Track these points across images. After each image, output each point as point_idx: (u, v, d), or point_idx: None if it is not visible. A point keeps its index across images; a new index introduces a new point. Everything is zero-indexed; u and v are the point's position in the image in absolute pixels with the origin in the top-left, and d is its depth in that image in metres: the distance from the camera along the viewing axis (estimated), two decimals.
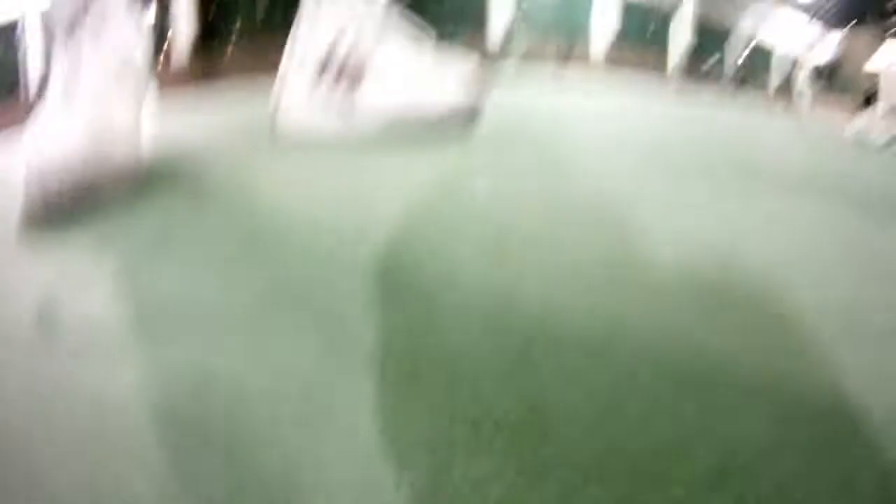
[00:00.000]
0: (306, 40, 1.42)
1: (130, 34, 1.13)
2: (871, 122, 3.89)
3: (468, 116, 1.33)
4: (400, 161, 1.16)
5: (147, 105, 1.13)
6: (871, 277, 0.98)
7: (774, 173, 1.71)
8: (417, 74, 1.36)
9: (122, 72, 1.07)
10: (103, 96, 1.05)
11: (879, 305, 0.86)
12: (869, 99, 3.86)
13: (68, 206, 0.90)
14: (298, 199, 1.01)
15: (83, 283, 0.87)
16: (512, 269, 0.80)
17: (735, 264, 0.94)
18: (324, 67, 1.40)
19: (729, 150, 2.32)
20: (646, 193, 1.22)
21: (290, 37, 1.48)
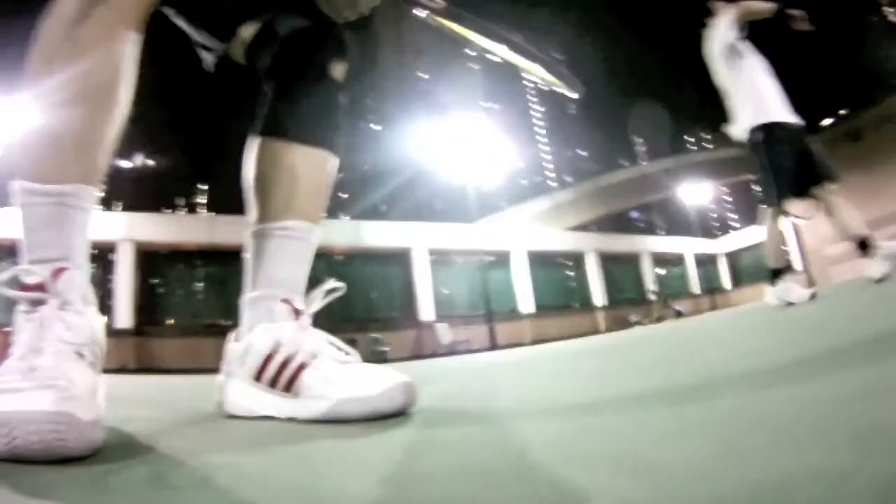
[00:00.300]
0: (245, 348, 1.47)
1: (89, 320, 1.17)
2: (787, 287, 4.79)
3: (404, 408, 1.32)
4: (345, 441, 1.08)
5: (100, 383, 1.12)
6: None
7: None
8: (349, 379, 1.34)
9: (82, 349, 1.11)
10: (65, 368, 1.03)
11: None
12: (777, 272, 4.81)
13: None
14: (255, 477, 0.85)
15: None
16: None
17: None
18: (260, 373, 1.42)
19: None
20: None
21: (226, 340, 1.56)
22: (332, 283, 1.65)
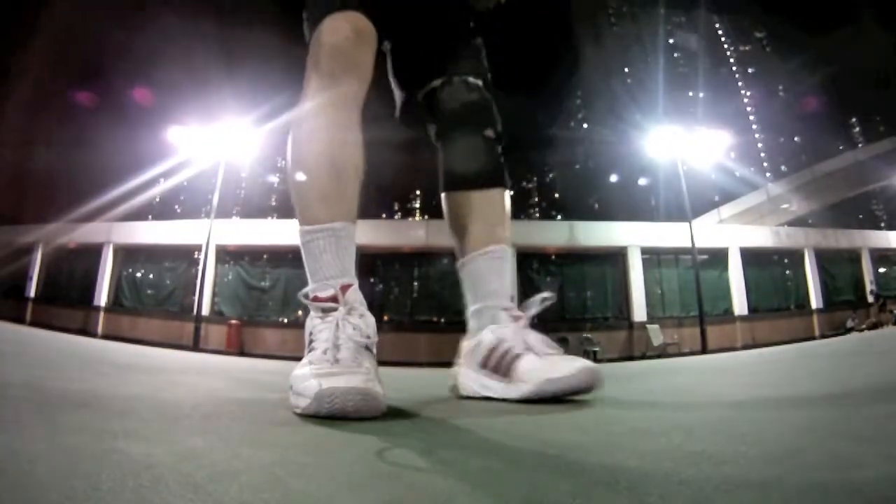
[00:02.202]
0: (475, 344, 1.95)
1: (368, 321, 1.54)
2: None
3: (589, 387, 1.73)
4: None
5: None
6: None
7: None
8: (548, 366, 1.73)
9: (368, 343, 1.50)
10: (360, 358, 1.43)
11: None
12: None
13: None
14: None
15: None
16: None
17: None
18: (486, 361, 1.88)
19: None
20: None
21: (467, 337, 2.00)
22: (546, 294, 2.01)
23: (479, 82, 2.10)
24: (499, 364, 1.84)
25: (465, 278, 2.12)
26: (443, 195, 2.23)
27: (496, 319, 1.95)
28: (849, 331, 19.85)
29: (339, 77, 1.75)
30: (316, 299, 1.59)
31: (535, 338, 1.87)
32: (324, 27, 1.78)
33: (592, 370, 1.76)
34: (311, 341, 1.57)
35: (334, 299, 1.55)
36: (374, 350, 1.56)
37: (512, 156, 2.18)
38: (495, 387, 1.84)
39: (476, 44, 2.22)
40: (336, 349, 1.44)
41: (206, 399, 1.96)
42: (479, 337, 1.94)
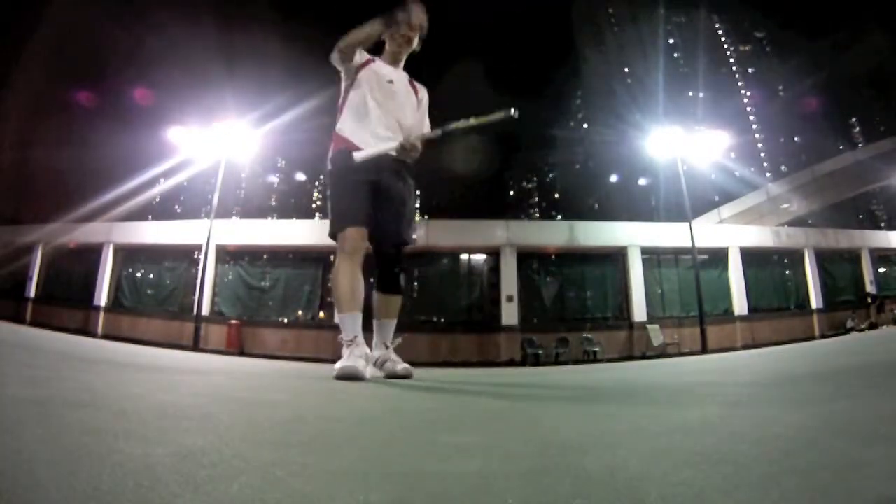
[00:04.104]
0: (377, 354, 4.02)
1: (365, 350, 3.73)
2: None
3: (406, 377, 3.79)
4: None
5: None
6: None
7: None
8: (393, 365, 3.93)
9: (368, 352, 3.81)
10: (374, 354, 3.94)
11: None
12: None
13: None
14: None
15: None
16: None
17: None
18: (376, 362, 3.82)
19: None
20: None
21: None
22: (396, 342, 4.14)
23: (399, 248, 4.06)
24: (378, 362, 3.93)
25: (377, 329, 4.07)
26: (376, 293, 4.14)
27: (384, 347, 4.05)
28: (849, 331, 19.93)
29: (352, 255, 3.72)
30: (344, 340, 3.65)
31: (394, 355, 3.98)
32: (347, 233, 3.70)
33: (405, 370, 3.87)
34: (342, 354, 3.58)
35: (351, 340, 3.60)
36: (367, 352, 3.65)
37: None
38: (372, 372, 3.70)
39: (412, 209, 4.10)
40: (345, 355, 3.55)
41: (206, 399, 2.00)
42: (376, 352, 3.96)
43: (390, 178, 3.81)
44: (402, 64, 4.12)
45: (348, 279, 3.62)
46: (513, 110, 3.51)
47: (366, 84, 3.86)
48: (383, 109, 3.84)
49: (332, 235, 3.75)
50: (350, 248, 3.66)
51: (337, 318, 3.73)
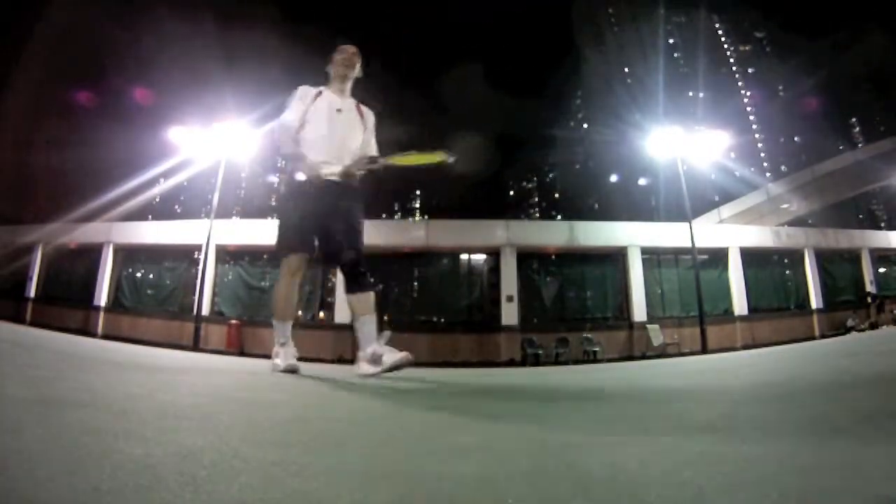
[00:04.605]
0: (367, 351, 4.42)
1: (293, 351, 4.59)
2: None
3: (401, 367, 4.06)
4: None
5: None
6: None
7: None
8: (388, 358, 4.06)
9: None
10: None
11: None
12: None
13: None
14: None
15: None
16: None
17: None
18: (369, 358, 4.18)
19: None
20: None
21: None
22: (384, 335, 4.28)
23: (353, 254, 4.29)
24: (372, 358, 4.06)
25: (359, 327, 4.22)
26: (346, 294, 4.38)
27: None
28: (849, 330, 19.88)
29: (292, 276, 4.41)
30: (278, 342, 4.42)
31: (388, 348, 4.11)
32: (290, 259, 4.38)
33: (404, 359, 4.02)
34: (276, 352, 4.42)
35: (284, 342, 4.41)
36: (295, 352, 4.42)
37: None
38: (371, 369, 3.99)
39: (359, 222, 4.48)
40: (280, 354, 4.38)
41: (206, 399, 2.00)
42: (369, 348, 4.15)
43: (336, 199, 4.30)
44: (348, 91, 4.67)
45: (284, 294, 4.45)
46: (450, 157, 4.29)
47: (315, 116, 4.45)
48: (331, 137, 4.43)
49: (276, 256, 4.65)
50: (289, 271, 4.43)
51: (274, 323, 4.51)
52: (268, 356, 4.66)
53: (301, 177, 4.34)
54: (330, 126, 4.44)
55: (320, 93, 4.55)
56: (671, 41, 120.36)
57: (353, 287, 4.29)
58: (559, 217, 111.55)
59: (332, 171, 4.30)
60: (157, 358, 5.88)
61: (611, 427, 1.43)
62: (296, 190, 4.39)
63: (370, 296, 4.33)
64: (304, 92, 4.53)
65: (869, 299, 22.47)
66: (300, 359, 4.42)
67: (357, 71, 4.66)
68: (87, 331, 19.50)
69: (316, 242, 4.39)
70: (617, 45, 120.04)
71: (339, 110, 4.50)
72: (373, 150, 4.60)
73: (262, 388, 2.89)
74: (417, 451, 1.13)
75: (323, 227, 4.33)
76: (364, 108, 4.72)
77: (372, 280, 4.38)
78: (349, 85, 4.67)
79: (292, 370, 4.18)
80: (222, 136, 21.58)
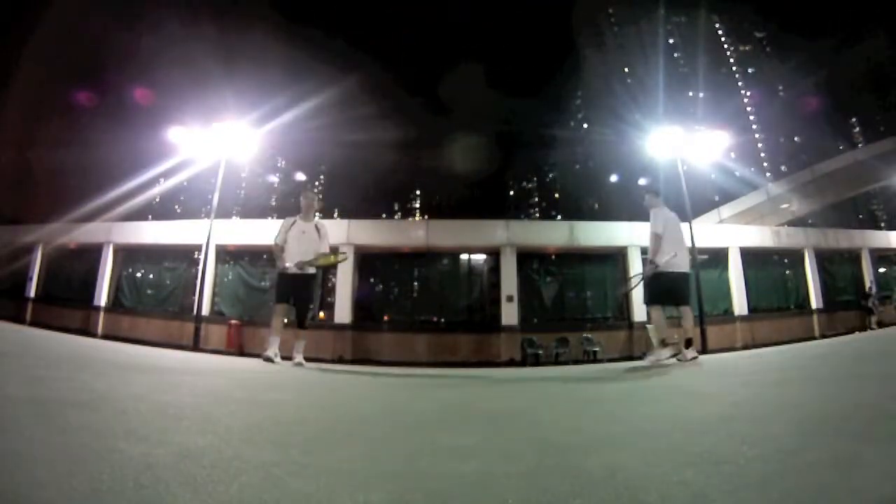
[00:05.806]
0: None
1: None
2: None
3: None
4: None
5: None
6: None
7: None
8: None
9: None
10: None
11: None
12: None
13: None
14: None
15: None
16: None
17: None
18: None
19: None
20: None
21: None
22: None
23: (305, 309, 7.26)
24: None
25: (296, 346, 6.95)
26: (297, 328, 7.10)
27: None
28: (851, 331, 19.82)
29: (280, 315, 7.09)
30: (270, 347, 6.72)
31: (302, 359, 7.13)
32: (277, 308, 7.16)
33: None
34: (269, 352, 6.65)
35: (270, 345, 6.77)
36: (277, 351, 6.78)
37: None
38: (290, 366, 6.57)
39: (316, 293, 7.63)
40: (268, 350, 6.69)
41: (206, 399, 1.99)
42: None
43: (302, 279, 7.27)
44: (312, 218, 7.61)
45: (275, 325, 7.05)
46: (342, 256, 7.88)
47: (291, 236, 7.30)
48: (301, 246, 7.29)
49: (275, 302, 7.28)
50: (278, 312, 7.11)
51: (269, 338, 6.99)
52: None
53: (281, 268, 7.17)
54: (298, 242, 7.28)
55: (295, 221, 7.48)
56: (671, 41, 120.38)
57: (301, 325, 7.21)
58: (559, 217, 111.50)
59: (300, 261, 7.14)
60: (157, 358, 5.87)
61: (611, 427, 1.42)
62: (280, 274, 7.23)
63: (306, 332, 7.27)
64: (287, 222, 7.50)
65: (870, 300, 22.42)
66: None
67: (316, 206, 7.89)
68: (87, 331, 19.46)
69: (291, 300, 7.15)
70: (617, 44, 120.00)
71: (303, 232, 7.34)
72: (325, 249, 7.48)
73: (262, 388, 2.88)
74: (417, 451, 1.12)
75: (293, 293, 7.16)
76: (319, 225, 7.55)
77: (311, 318, 7.35)
78: (311, 213, 7.61)
79: (268, 360, 6.48)
80: (222, 136, 21.57)
